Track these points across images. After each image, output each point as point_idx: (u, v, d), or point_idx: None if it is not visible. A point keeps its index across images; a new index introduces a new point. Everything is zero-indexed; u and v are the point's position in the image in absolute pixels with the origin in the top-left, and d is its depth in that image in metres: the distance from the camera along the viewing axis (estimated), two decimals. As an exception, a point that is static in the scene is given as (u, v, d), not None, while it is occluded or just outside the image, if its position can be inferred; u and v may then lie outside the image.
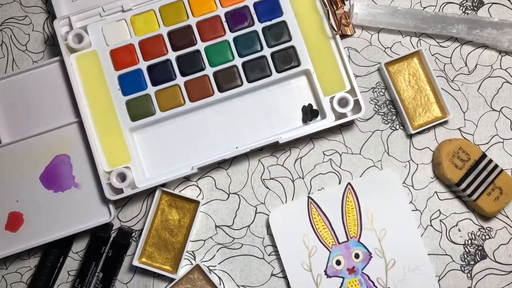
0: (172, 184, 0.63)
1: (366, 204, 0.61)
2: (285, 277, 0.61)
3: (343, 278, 0.60)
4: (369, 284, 0.60)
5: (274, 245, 0.62)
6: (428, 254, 0.61)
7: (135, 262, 0.60)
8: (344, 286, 0.60)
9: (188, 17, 0.62)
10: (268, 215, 0.62)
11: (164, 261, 0.61)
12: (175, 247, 0.61)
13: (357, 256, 0.60)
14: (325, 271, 0.60)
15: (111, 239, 0.62)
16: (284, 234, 0.61)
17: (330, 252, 0.61)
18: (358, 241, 0.60)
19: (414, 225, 0.61)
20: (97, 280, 0.60)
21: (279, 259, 0.62)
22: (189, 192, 0.63)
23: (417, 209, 0.62)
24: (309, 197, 0.61)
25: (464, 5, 0.65)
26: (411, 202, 0.62)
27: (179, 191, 0.63)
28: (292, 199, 0.63)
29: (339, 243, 0.61)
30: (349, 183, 0.61)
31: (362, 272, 0.60)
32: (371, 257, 0.60)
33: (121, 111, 0.61)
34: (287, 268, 0.60)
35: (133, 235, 0.63)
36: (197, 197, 0.63)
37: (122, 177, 0.60)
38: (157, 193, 0.61)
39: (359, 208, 0.61)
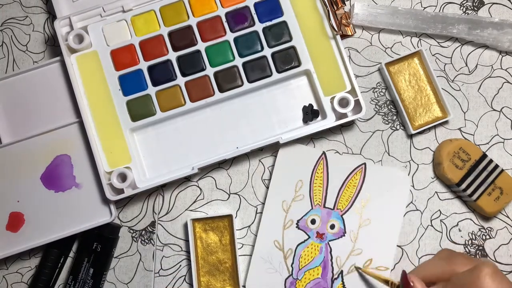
0: (173, 184, 0.63)
1: (368, 189, 0.61)
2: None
3: (309, 237, 0.61)
4: (327, 256, 0.60)
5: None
6: (428, 254, 0.61)
7: None
8: (306, 244, 0.60)
9: (188, 17, 0.62)
10: (279, 148, 0.62)
11: (223, 284, 0.61)
12: (227, 266, 0.61)
13: (332, 226, 0.61)
14: (297, 221, 0.61)
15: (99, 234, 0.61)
16: (283, 170, 0.61)
17: (312, 208, 0.61)
18: (341, 215, 0.61)
19: (397, 232, 0.60)
20: (87, 276, 0.60)
21: (279, 259, 0.62)
22: (189, 192, 0.63)
23: (417, 209, 0.62)
24: (324, 152, 0.62)
25: (465, 5, 0.65)
26: (411, 202, 0.62)
27: (179, 192, 0.63)
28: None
29: (324, 206, 0.61)
30: (364, 163, 0.61)
31: (328, 243, 0.60)
32: (344, 235, 0.60)
33: (122, 111, 0.61)
34: (267, 200, 0.61)
35: (133, 234, 0.63)
36: (197, 198, 0.63)
37: (123, 177, 0.60)
38: (189, 224, 0.61)
39: (360, 189, 0.61)
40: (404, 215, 0.62)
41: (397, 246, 0.62)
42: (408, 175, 0.62)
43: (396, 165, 0.63)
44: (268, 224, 0.61)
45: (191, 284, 0.62)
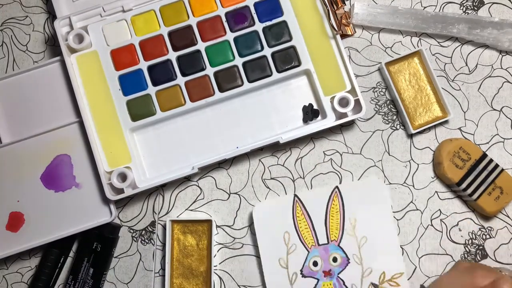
0: (173, 184, 0.63)
1: (350, 209, 0.61)
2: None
3: (318, 279, 0.60)
4: None
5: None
6: (428, 254, 0.61)
7: None
8: (318, 287, 0.60)
9: (188, 17, 0.62)
10: (252, 209, 0.61)
11: None
12: (201, 271, 0.61)
13: (335, 259, 0.60)
14: (301, 271, 0.60)
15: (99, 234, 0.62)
16: (266, 228, 0.61)
17: (308, 252, 0.60)
18: (338, 245, 0.60)
19: (395, 235, 0.60)
20: (87, 276, 0.60)
21: (279, 259, 0.62)
22: (190, 192, 0.63)
23: (417, 209, 0.62)
24: (295, 195, 0.61)
25: (465, 5, 0.65)
26: (411, 202, 0.62)
27: (179, 192, 0.63)
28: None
29: (319, 244, 0.61)
30: (336, 187, 0.61)
31: (338, 277, 0.60)
32: (349, 262, 0.60)
33: (122, 111, 0.61)
34: (264, 263, 0.60)
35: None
36: (197, 197, 0.63)
37: (123, 177, 0.60)
38: (168, 225, 0.61)
39: (343, 212, 0.61)
40: (404, 216, 0.62)
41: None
42: (382, 179, 0.62)
43: (397, 165, 0.63)
44: (274, 286, 0.60)
45: (163, 285, 0.62)
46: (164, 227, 0.63)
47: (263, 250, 0.61)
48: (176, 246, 0.61)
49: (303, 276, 0.60)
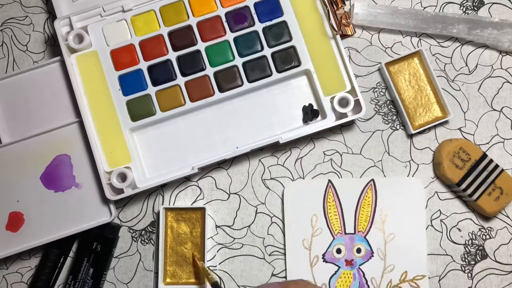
0: (173, 184, 0.63)
1: (383, 204, 0.61)
2: (286, 278, 0.61)
3: (339, 267, 0.60)
4: (362, 281, 0.60)
5: (275, 245, 0.62)
6: (429, 254, 0.61)
7: (161, 285, 0.60)
8: (337, 275, 0.60)
9: (188, 17, 0.62)
10: (284, 188, 0.62)
11: (188, 276, 0.61)
12: (195, 259, 0.61)
13: (359, 250, 0.61)
14: (323, 255, 0.60)
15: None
16: (294, 208, 0.61)
17: (334, 238, 0.61)
18: (364, 237, 0.61)
19: (424, 238, 0.60)
20: (87, 276, 0.60)
21: (279, 259, 0.62)
22: (189, 192, 0.63)
23: (417, 209, 0.62)
24: (329, 181, 0.61)
25: (465, 5, 0.65)
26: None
27: (179, 192, 0.63)
28: (293, 199, 0.63)
29: (345, 233, 0.61)
30: (372, 179, 0.61)
31: (359, 268, 0.60)
32: (372, 256, 0.60)
33: (122, 111, 0.61)
34: (287, 242, 0.61)
35: (135, 236, 0.63)
36: (197, 198, 0.63)
37: (123, 177, 0.60)
38: (161, 212, 0.61)
39: (375, 205, 0.61)
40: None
41: (397, 246, 0.62)
42: (421, 181, 0.62)
43: (397, 165, 0.63)
44: (294, 266, 0.61)
45: (157, 273, 0.62)
46: (158, 214, 0.63)
47: (288, 228, 0.61)
48: (170, 233, 0.62)
49: (325, 261, 0.60)
